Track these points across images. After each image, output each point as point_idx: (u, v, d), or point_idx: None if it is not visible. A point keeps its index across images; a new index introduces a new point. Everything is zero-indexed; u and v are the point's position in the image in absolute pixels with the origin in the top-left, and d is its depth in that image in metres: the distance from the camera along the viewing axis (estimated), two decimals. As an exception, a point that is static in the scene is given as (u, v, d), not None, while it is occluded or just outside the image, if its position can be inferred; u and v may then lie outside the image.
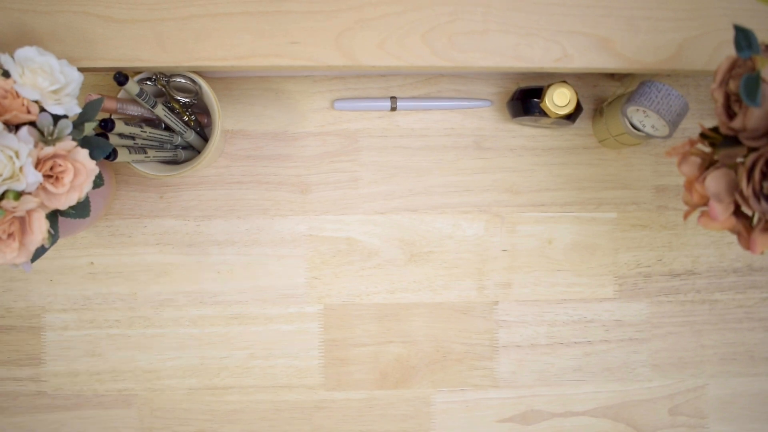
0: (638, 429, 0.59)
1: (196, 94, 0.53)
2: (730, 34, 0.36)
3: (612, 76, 0.60)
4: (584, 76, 0.60)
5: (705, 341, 0.60)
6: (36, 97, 0.39)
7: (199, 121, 0.56)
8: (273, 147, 0.59)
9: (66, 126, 0.41)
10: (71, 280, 0.58)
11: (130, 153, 0.49)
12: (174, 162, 0.56)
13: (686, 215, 0.40)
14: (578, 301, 0.60)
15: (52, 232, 0.41)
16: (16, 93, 0.39)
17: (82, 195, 0.41)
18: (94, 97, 0.44)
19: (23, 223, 0.39)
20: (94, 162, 0.41)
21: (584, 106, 0.59)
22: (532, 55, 0.50)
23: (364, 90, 0.59)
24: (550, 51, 0.50)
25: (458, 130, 0.59)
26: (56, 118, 0.40)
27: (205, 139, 0.57)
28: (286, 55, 0.49)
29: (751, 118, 0.34)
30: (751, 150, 0.35)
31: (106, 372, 0.58)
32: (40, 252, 0.42)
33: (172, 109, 0.54)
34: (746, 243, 0.37)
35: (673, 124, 0.49)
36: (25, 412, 0.58)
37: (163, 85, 0.52)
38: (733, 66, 0.36)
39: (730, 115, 0.36)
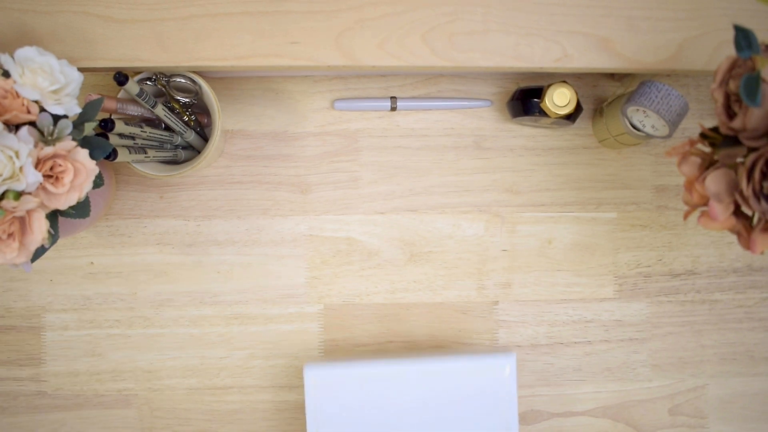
0: (638, 429, 0.59)
1: (196, 94, 0.53)
2: (730, 34, 0.36)
3: (612, 76, 0.60)
4: (584, 76, 0.60)
5: (705, 341, 0.60)
6: (36, 97, 0.39)
7: (199, 121, 0.56)
8: (273, 147, 0.59)
9: (66, 126, 0.41)
10: (71, 280, 0.58)
11: (130, 153, 0.49)
12: (174, 162, 0.56)
13: (686, 215, 0.40)
14: (578, 301, 0.60)
15: (52, 232, 0.41)
16: (16, 93, 0.39)
17: (82, 195, 0.41)
18: (94, 97, 0.44)
19: (23, 223, 0.39)
20: (94, 162, 0.41)
21: (584, 106, 0.59)
22: (532, 55, 0.50)
23: (364, 90, 0.59)
24: (550, 51, 0.50)
25: (458, 130, 0.59)
26: (56, 118, 0.40)
27: (205, 139, 0.57)
28: (286, 55, 0.49)
29: (751, 118, 0.34)
30: (751, 150, 0.35)
31: (106, 372, 0.58)
32: (40, 252, 0.42)
33: (172, 109, 0.54)
34: (746, 243, 0.37)
35: (673, 124, 0.49)
36: (25, 412, 0.58)
37: (163, 85, 0.52)
38: (733, 66, 0.36)
39: (730, 115, 0.36)
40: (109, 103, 0.47)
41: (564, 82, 0.53)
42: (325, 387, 0.51)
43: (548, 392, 0.59)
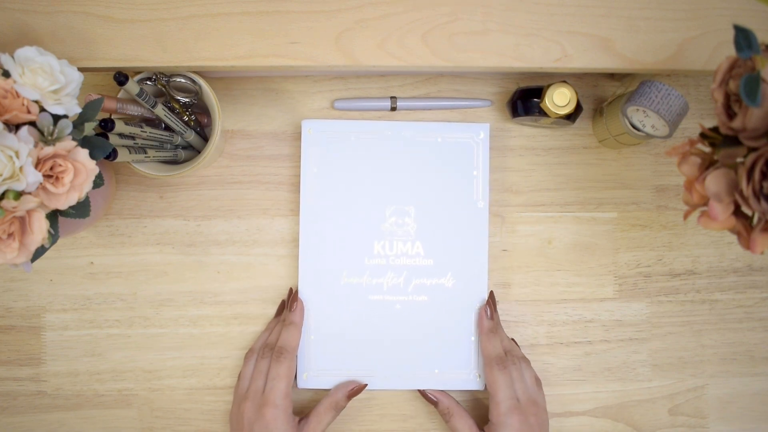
0: (638, 429, 0.59)
1: (196, 94, 0.53)
2: (730, 34, 0.36)
3: (612, 76, 0.60)
4: (584, 76, 0.60)
5: (705, 341, 0.60)
6: (36, 97, 0.39)
7: (199, 121, 0.56)
8: (273, 147, 0.59)
9: (66, 126, 0.41)
10: (71, 280, 0.58)
11: (130, 153, 0.49)
12: (174, 162, 0.56)
13: (686, 215, 0.40)
14: (578, 301, 0.60)
15: (52, 232, 0.41)
16: (16, 93, 0.39)
17: (82, 195, 0.41)
18: (94, 97, 0.44)
19: (23, 223, 0.39)
20: (94, 162, 0.41)
21: (584, 106, 0.59)
22: (532, 55, 0.50)
23: (364, 90, 0.59)
24: (550, 51, 0.50)
25: (458, 130, 0.59)
26: (56, 118, 0.40)
27: (205, 139, 0.57)
28: (286, 55, 0.49)
29: (751, 118, 0.34)
30: (751, 150, 0.35)
31: (106, 372, 0.58)
32: (40, 252, 0.42)
33: (172, 109, 0.54)
34: (746, 243, 0.37)
35: (673, 124, 0.49)
36: (25, 412, 0.58)
37: (163, 85, 0.52)
38: (733, 66, 0.36)
39: (730, 115, 0.36)
40: (109, 103, 0.47)
41: (564, 82, 0.53)
42: (319, 136, 0.56)
43: (548, 392, 0.59)
